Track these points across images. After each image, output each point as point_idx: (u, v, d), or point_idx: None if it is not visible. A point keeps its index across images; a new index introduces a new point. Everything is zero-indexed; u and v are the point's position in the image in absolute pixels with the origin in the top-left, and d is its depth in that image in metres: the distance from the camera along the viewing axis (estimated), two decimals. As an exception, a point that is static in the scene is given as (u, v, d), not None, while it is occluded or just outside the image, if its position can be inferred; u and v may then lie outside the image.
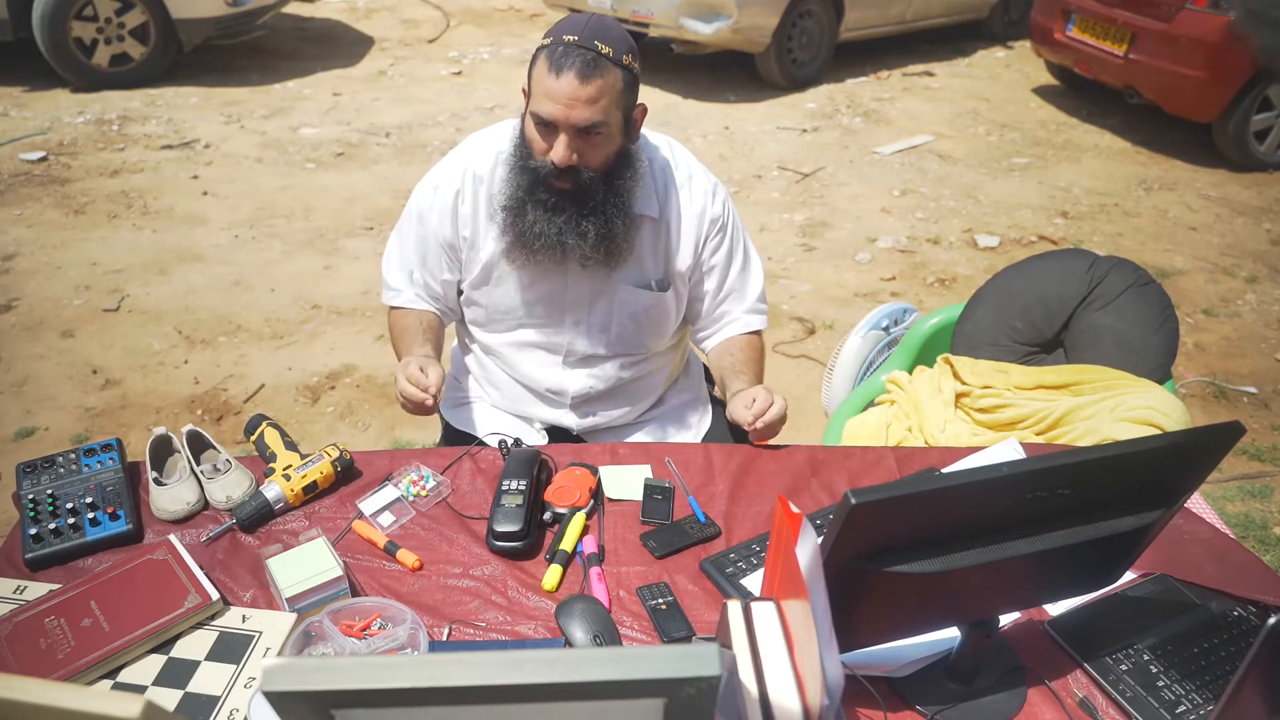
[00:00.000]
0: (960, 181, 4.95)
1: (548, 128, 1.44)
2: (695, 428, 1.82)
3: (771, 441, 1.60)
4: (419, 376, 1.46)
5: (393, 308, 1.72)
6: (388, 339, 3.35)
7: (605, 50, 1.39)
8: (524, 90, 1.50)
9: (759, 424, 1.50)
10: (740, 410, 1.53)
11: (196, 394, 3.01)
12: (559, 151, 1.43)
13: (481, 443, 1.61)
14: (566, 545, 1.34)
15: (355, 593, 1.25)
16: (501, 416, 1.76)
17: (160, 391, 3.02)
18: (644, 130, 1.60)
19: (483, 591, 1.28)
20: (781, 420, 1.53)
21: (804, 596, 0.87)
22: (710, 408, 1.88)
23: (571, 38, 1.39)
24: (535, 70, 1.43)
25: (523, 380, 1.71)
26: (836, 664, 0.81)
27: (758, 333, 1.74)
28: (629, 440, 1.75)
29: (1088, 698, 1.14)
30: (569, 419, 1.73)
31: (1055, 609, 1.26)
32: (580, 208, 1.50)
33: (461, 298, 1.71)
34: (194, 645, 1.16)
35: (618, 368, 1.70)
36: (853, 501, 0.87)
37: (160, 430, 1.49)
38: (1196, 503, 1.47)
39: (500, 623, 1.24)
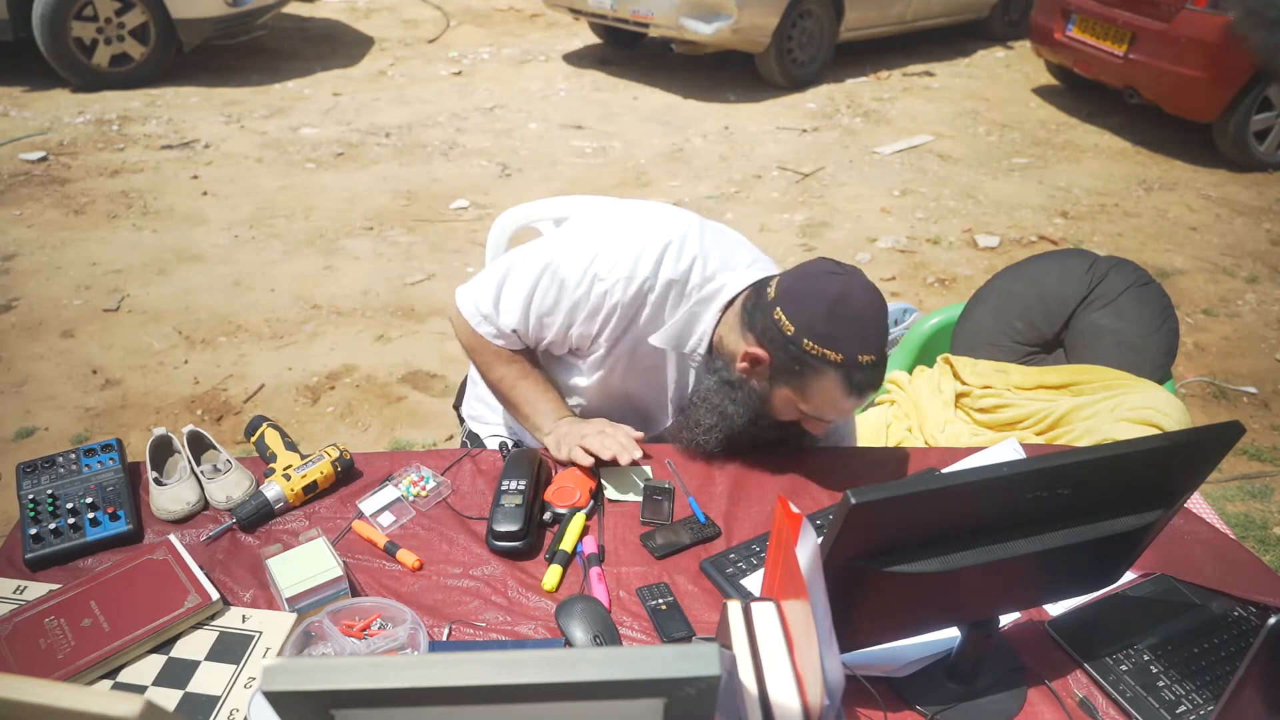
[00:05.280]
0: (960, 181, 4.95)
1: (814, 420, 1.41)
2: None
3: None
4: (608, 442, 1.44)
5: (493, 346, 1.55)
6: (388, 339, 3.39)
7: (887, 350, 1.35)
8: (764, 357, 1.36)
9: None
10: None
11: (196, 394, 3.01)
12: (824, 428, 1.43)
13: (481, 443, 1.61)
14: (566, 545, 1.34)
15: (355, 593, 1.26)
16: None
17: (160, 391, 3.02)
18: None
19: (483, 591, 1.28)
20: None
21: (804, 596, 0.87)
22: None
23: (868, 358, 1.31)
24: (817, 381, 1.33)
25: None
26: (836, 664, 0.81)
27: None
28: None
29: (1088, 698, 1.14)
30: None
31: (1055, 609, 1.27)
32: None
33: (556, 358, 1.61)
34: (194, 645, 1.16)
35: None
36: (853, 501, 0.87)
37: (160, 430, 1.49)
38: (1196, 503, 1.47)
39: (500, 623, 1.24)
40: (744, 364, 1.39)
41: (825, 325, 1.30)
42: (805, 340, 1.30)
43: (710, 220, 1.56)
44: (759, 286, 1.41)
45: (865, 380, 1.32)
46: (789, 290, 1.34)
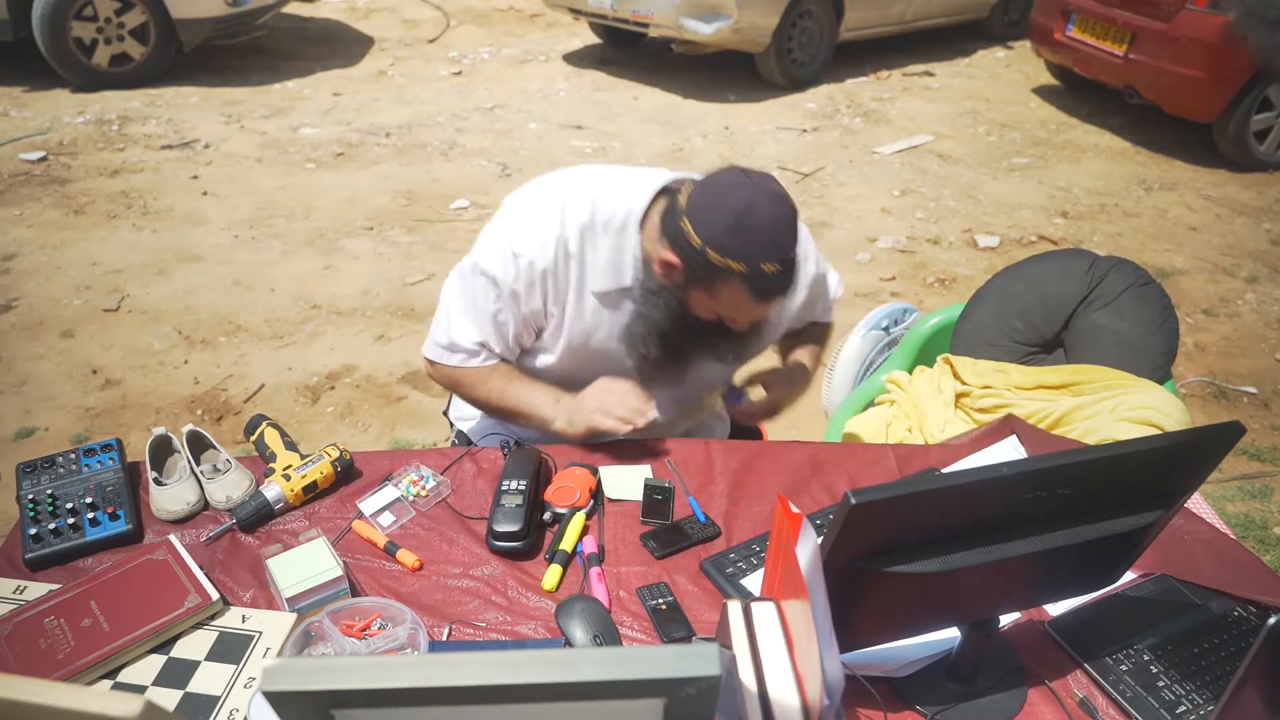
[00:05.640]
0: (960, 181, 4.95)
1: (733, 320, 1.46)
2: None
3: (772, 440, 1.60)
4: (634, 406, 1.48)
5: (469, 370, 1.58)
6: (388, 339, 3.38)
7: (794, 256, 1.38)
8: (676, 264, 1.40)
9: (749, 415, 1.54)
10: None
11: (196, 394, 3.01)
12: (744, 326, 1.47)
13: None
14: (566, 545, 1.34)
15: (355, 593, 1.26)
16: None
17: (160, 391, 3.02)
18: None
19: (483, 591, 1.28)
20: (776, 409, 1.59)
21: (804, 596, 0.87)
22: (728, 420, 1.88)
23: (771, 267, 1.34)
24: (725, 288, 1.38)
25: None
26: (836, 664, 0.81)
27: (824, 325, 1.82)
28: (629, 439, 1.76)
29: (1088, 698, 1.14)
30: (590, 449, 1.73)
31: (1055, 609, 1.27)
32: (727, 337, 1.52)
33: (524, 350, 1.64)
34: (194, 645, 1.16)
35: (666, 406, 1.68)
36: (853, 501, 0.87)
37: (160, 430, 1.49)
38: (1196, 503, 1.47)
39: (500, 623, 1.24)
40: (661, 270, 1.44)
41: (729, 238, 1.34)
42: (710, 251, 1.35)
43: (604, 165, 1.64)
44: (672, 195, 1.46)
45: (771, 287, 1.37)
46: (696, 202, 1.38)
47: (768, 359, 1.79)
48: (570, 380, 1.58)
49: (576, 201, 1.50)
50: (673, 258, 1.40)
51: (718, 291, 1.39)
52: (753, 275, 1.35)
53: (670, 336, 1.50)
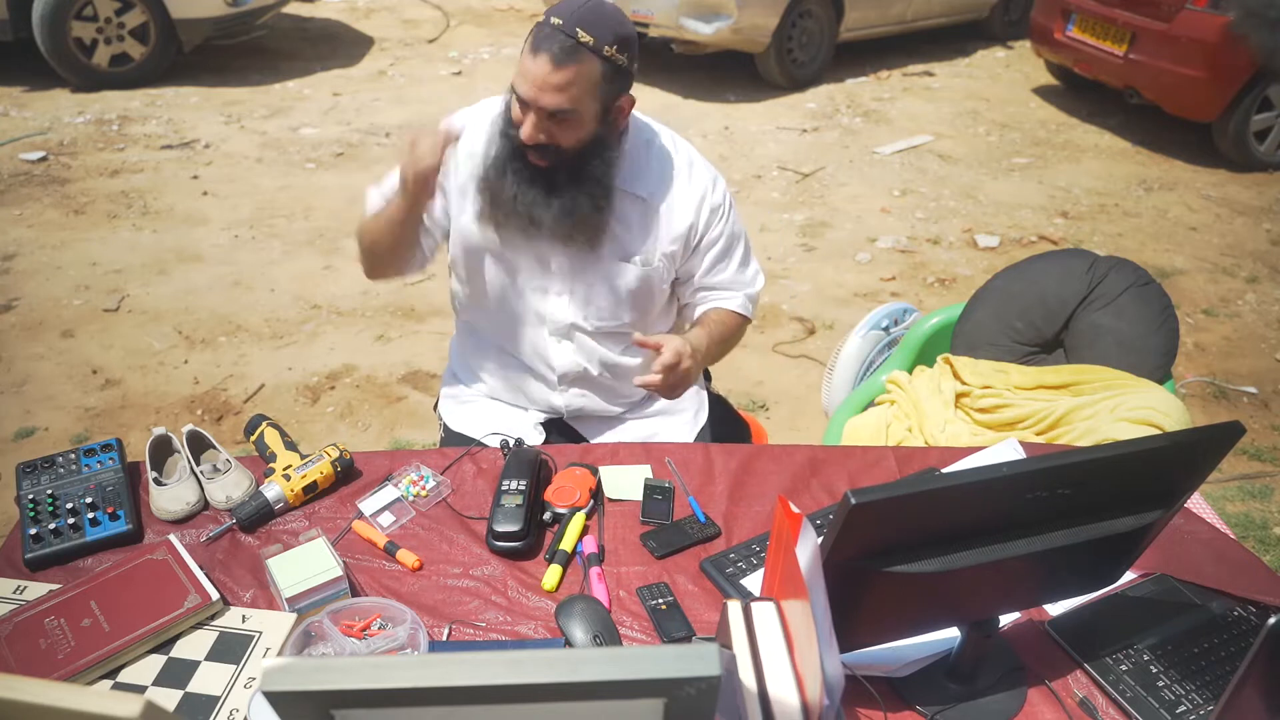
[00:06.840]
0: (960, 181, 4.95)
1: (523, 104, 1.47)
2: (692, 424, 1.82)
3: (771, 441, 1.60)
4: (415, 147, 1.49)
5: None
6: (388, 339, 3.39)
7: (585, 39, 1.41)
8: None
9: (656, 381, 1.51)
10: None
11: (196, 394, 3.01)
12: (526, 130, 1.47)
13: (481, 443, 1.62)
14: (566, 545, 1.34)
15: (355, 593, 1.26)
16: (499, 412, 1.77)
17: (160, 391, 3.02)
18: (648, 120, 1.64)
19: (483, 591, 1.28)
20: (679, 376, 1.54)
21: (804, 596, 0.87)
22: (707, 405, 1.88)
23: (558, 21, 1.42)
24: (525, 45, 1.46)
25: (512, 350, 1.73)
26: (836, 664, 0.81)
27: (739, 315, 1.76)
28: (623, 431, 1.77)
29: (1088, 698, 1.14)
30: (558, 399, 1.74)
31: (1055, 609, 1.27)
32: (549, 185, 1.54)
33: (450, 263, 1.74)
34: (194, 645, 1.16)
35: (604, 346, 1.71)
36: (853, 501, 0.87)
37: (160, 430, 1.49)
38: (1196, 503, 1.47)
39: (500, 623, 1.24)
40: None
41: (555, 5, 1.46)
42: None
43: None
44: None
45: (544, 36, 1.41)
46: None
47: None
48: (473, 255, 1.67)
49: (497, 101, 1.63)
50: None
51: (521, 54, 1.46)
52: (539, 25, 1.43)
53: (512, 171, 1.54)
